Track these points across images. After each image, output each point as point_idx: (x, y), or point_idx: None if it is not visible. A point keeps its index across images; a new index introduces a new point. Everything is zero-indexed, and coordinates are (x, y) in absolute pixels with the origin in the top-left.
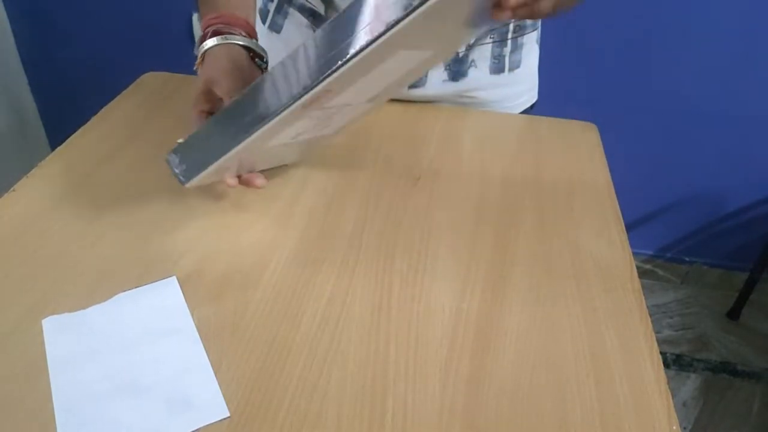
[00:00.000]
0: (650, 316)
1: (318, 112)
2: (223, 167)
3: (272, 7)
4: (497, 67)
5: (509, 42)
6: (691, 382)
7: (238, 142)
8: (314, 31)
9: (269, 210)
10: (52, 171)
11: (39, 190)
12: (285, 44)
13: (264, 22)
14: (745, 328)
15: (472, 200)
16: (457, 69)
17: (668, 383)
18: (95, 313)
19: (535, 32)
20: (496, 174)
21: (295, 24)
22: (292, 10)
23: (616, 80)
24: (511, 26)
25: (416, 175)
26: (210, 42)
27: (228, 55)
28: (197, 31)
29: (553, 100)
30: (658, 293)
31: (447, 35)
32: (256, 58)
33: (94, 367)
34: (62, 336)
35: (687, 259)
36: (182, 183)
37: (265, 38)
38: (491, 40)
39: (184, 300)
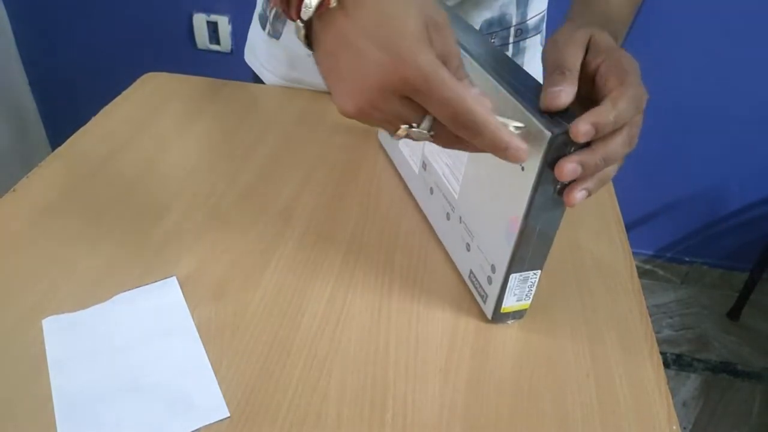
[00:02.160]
0: (650, 316)
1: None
2: None
3: (271, 13)
4: None
5: (510, 46)
6: (691, 382)
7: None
8: None
9: (269, 210)
10: (52, 171)
11: (39, 190)
12: (284, 50)
13: (264, 28)
14: (745, 328)
15: None
16: None
17: (668, 383)
18: (95, 313)
19: (539, 35)
20: None
21: (294, 30)
22: None
23: None
24: (512, 30)
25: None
26: None
27: None
28: (197, 30)
29: None
30: (658, 293)
31: None
32: None
33: (94, 367)
34: (62, 336)
35: (687, 259)
36: None
37: (265, 44)
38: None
39: (184, 300)
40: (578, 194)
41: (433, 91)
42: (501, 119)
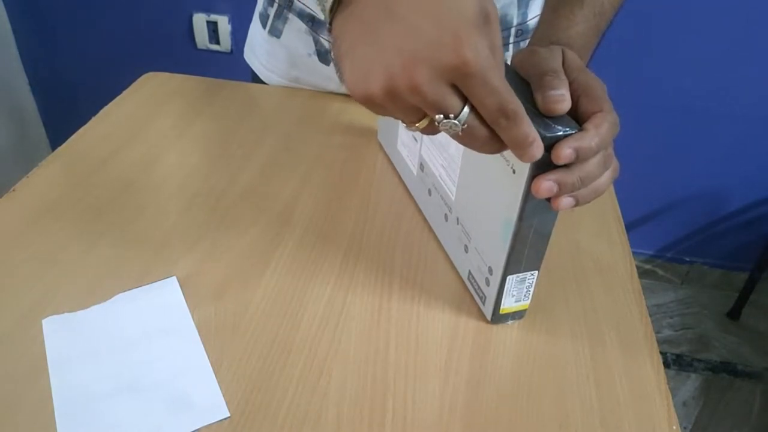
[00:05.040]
0: (650, 316)
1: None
2: None
3: (272, 12)
4: None
5: (511, 46)
6: (691, 382)
7: None
8: (313, 36)
9: (269, 210)
10: (52, 171)
11: (39, 190)
12: (286, 49)
13: (264, 26)
14: (745, 328)
15: None
16: None
17: (668, 383)
18: (95, 313)
19: None
20: None
21: (295, 29)
22: (291, 16)
23: (615, 79)
24: (513, 30)
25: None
26: None
27: None
28: (197, 30)
29: None
30: (658, 293)
31: None
32: None
33: (94, 367)
34: (62, 336)
35: (687, 259)
36: None
37: (266, 43)
38: None
39: (184, 300)
40: (564, 200)
41: (488, 78)
42: None
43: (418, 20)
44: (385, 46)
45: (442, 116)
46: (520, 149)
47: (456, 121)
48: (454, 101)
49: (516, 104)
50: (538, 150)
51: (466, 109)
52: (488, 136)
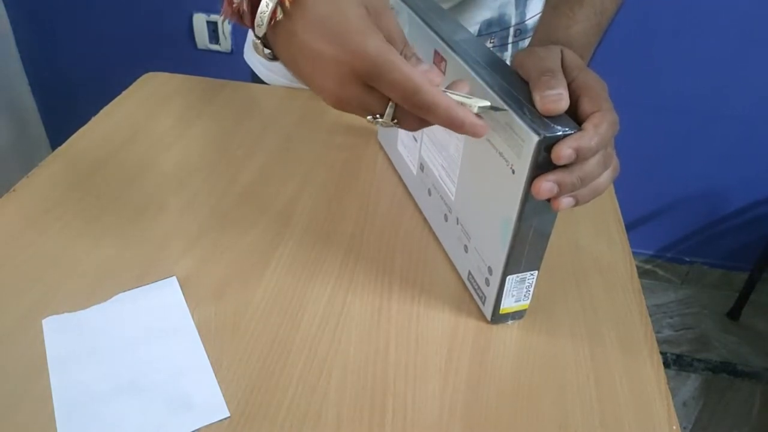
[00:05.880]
0: (650, 316)
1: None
2: None
3: None
4: None
5: (510, 46)
6: (691, 382)
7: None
8: None
9: (269, 210)
10: (52, 171)
11: (39, 190)
12: None
13: None
14: (745, 328)
15: None
16: None
17: (668, 383)
18: (95, 312)
19: None
20: None
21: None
22: None
23: (615, 80)
24: (512, 30)
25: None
26: None
27: None
28: (197, 30)
29: None
30: (658, 293)
31: None
32: None
33: (94, 367)
34: (62, 336)
35: (687, 259)
36: None
37: None
38: (491, 45)
39: (184, 300)
40: (564, 200)
41: (383, 75)
42: (462, 98)
43: (318, 45)
44: (309, 75)
45: (371, 117)
46: (458, 131)
47: (385, 120)
48: (374, 101)
49: (422, 93)
50: (476, 129)
51: (390, 106)
52: (423, 121)
